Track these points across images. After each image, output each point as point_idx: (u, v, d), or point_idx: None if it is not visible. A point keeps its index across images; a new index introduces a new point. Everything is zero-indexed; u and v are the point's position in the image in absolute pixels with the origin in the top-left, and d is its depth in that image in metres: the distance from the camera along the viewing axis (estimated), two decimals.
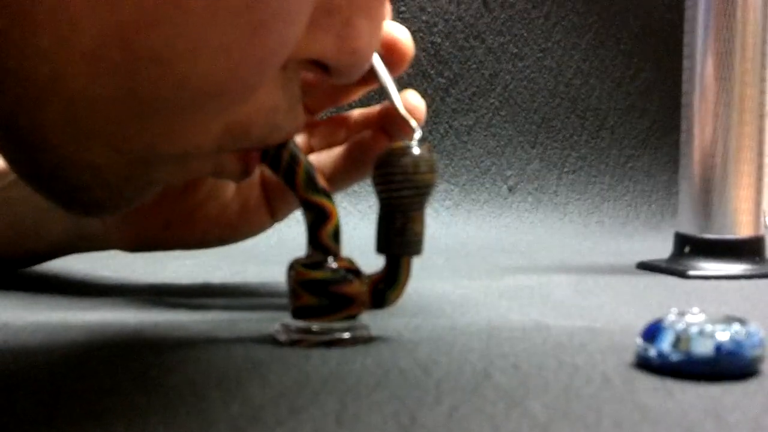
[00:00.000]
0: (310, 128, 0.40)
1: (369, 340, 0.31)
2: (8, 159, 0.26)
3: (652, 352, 0.26)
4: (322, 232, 0.31)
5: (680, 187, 0.62)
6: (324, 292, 0.30)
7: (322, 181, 0.32)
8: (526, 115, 1.08)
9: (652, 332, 0.27)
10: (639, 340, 0.27)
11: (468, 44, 1.05)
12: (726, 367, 0.26)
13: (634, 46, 1.17)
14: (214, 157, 0.29)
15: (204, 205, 0.39)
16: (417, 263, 0.32)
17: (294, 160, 0.31)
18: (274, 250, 0.69)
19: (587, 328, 0.35)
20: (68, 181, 0.26)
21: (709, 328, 0.26)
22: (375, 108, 0.38)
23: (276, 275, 0.52)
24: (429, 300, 0.43)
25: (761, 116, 0.59)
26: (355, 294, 0.31)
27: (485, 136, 1.05)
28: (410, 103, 0.35)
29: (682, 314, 0.27)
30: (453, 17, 1.04)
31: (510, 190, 1.05)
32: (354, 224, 0.89)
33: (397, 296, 0.31)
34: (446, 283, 0.51)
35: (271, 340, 0.31)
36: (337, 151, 0.39)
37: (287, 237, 0.75)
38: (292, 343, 0.30)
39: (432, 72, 1.02)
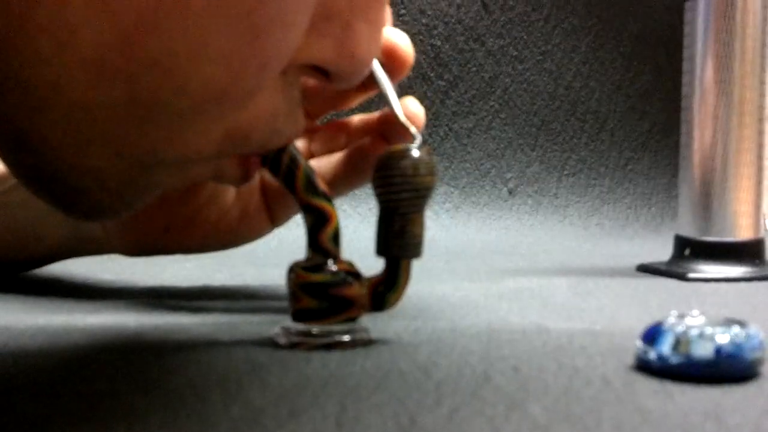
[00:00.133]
0: (310, 133, 0.40)
1: (369, 342, 0.31)
2: (8, 163, 0.26)
3: (652, 354, 0.26)
4: (322, 235, 0.31)
5: (680, 189, 0.62)
6: (324, 295, 0.30)
7: (321, 184, 0.32)
8: (526, 117, 1.09)
9: (652, 335, 0.27)
10: (639, 343, 0.27)
11: (468, 47, 1.05)
12: (726, 369, 0.26)
13: (634, 49, 1.18)
14: (215, 162, 0.29)
15: (204, 209, 0.39)
16: (417, 266, 0.32)
17: (294, 163, 0.31)
18: (274, 253, 0.69)
19: (587, 331, 0.35)
20: (68, 185, 0.26)
21: (709, 330, 0.26)
22: (375, 114, 0.38)
23: (276, 278, 0.52)
24: (429, 302, 0.43)
25: (761, 119, 0.59)
26: (355, 297, 0.31)
27: (485, 138, 1.05)
28: (410, 110, 0.35)
29: (682, 317, 0.27)
30: (453, 20, 1.04)
31: (510, 192, 1.05)
32: (354, 227, 0.89)
33: (397, 299, 0.31)
34: (446, 285, 0.51)
35: (271, 343, 0.31)
36: (337, 156, 0.39)
37: (287, 240, 0.75)
38: (292, 346, 0.30)
39: (432, 75, 1.02)
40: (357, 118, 0.39)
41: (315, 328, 0.30)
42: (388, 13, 0.30)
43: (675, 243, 0.62)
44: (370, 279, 0.31)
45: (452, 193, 1.01)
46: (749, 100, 0.59)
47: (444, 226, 0.97)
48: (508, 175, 1.06)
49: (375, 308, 0.31)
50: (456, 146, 1.03)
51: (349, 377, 0.26)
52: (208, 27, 0.22)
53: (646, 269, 0.62)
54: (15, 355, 0.29)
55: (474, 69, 1.05)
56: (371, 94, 0.37)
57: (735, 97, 0.59)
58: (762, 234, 0.60)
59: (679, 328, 0.26)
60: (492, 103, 1.06)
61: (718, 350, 0.25)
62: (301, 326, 0.31)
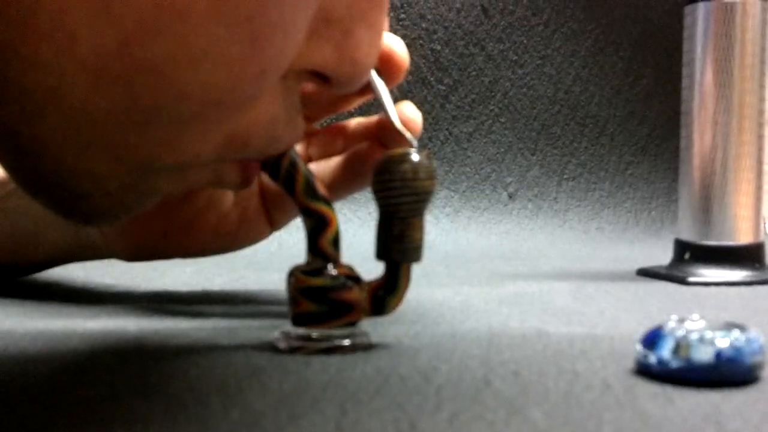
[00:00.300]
0: (308, 137, 0.40)
1: (369, 347, 0.31)
2: (8, 167, 0.26)
3: (652, 358, 0.26)
4: (322, 239, 0.31)
5: (680, 193, 0.62)
6: (324, 299, 0.30)
7: (321, 188, 0.32)
8: (525, 122, 1.09)
9: (652, 339, 0.27)
10: (639, 347, 0.27)
11: (468, 51, 1.05)
12: (726, 373, 0.26)
13: (634, 53, 1.18)
14: (214, 167, 0.29)
15: (203, 214, 0.39)
16: (417, 270, 0.32)
17: (293, 167, 0.31)
18: (273, 257, 0.69)
19: (587, 335, 0.35)
20: (68, 190, 0.26)
21: (709, 334, 0.26)
22: (372, 118, 0.38)
23: (276, 282, 0.52)
24: (429, 307, 0.43)
25: (760, 123, 0.59)
26: (355, 301, 0.31)
27: (485, 143, 1.05)
28: (406, 115, 0.35)
29: (682, 321, 0.27)
30: (453, 24, 1.04)
31: (510, 196, 1.05)
32: (354, 231, 0.89)
33: (397, 303, 0.31)
34: (446, 289, 0.51)
35: (271, 348, 0.31)
36: (335, 161, 0.39)
37: (287, 244, 0.75)
38: (292, 350, 0.30)
39: (432, 79, 1.02)
40: (355, 122, 0.39)
41: (315, 333, 0.30)
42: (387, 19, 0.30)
43: (675, 247, 0.62)
44: (370, 283, 0.31)
45: (452, 197, 1.01)
46: (749, 104, 0.59)
47: (444, 230, 0.97)
48: (508, 180, 1.06)
49: (375, 312, 0.31)
50: (456, 150, 1.03)
51: (349, 382, 0.26)
52: (208, 32, 0.22)
53: (646, 273, 0.62)
54: (15, 359, 0.29)
55: (474, 73, 1.05)
56: (369, 97, 0.37)
57: (735, 101, 0.59)
58: (762, 238, 0.60)
59: (679, 332, 0.26)
60: (492, 108, 1.06)
61: (719, 354, 0.25)
62: (301, 330, 0.31)
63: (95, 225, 0.38)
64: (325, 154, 0.39)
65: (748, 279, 0.57)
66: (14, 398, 0.24)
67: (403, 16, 1.01)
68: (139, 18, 0.21)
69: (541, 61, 1.11)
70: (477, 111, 1.05)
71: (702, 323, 0.27)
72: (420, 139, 0.34)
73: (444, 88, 1.03)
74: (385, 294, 0.31)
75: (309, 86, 0.36)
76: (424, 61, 1.01)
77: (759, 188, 0.60)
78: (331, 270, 0.31)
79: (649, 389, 0.25)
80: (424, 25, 1.02)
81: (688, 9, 0.61)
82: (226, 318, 0.38)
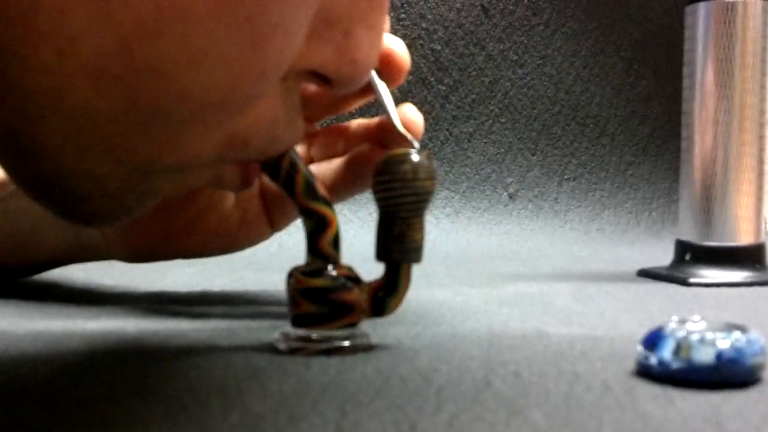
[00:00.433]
0: (309, 138, 0.40)
1: (369, 348, 0.31)
2: (8, 168, 0.26)
3: (653, 359, 0.26)
4: (322, 240, 0.31)
5: (681, 194, 0.62)
6: (324, 300, 0.30)
7: (321, 189, 0.32)
8: (526, 122, 1.09)
9: (653, 340, 0.27)
10: (640, 348, 0.27)
11: (468, 51, 1.05)
12: (727, 374, 0.25)
13: (635, 54, 1.18)
14: (214, 167, 0.29)
15: (203, 216, 0.39)
16: (417, 271, 0.32)
17: (293, 168, 0.31)
18: (273, 258, 0.69)
19: (588, 336, 0.35)
20: (68, 191, 0.26)
21: (709, 335, 0.26)
22: (374, 120, 0.38)
23: (275, 283, 0.52)
24: (429, 307, 0.43)
25: (761, 124, 0.59)
26: (355, 302, 0.30)
27: (485, 143, 1.05)
28: (408, 117, 0.35)
29: (682, 322, 0.27)
30: (453, 24, 1.04)
31: (510, 197, 1.05)
32: (354, 232, 0.89)
33: (397, 304, 0.31)
34: (446, 290, 0.51)
35: (271, 349, 0.31)
36: (336, 163, 0.39)
37: (287, 245, 0.75)
38: (292, 352, 0.30)
39: (432, 79, 1.02)
40: (356, 123, 0.39)
41: (315, 334, 0.30)
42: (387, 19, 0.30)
43: (676, 248, 0.62)
44: (370, 284, 0.31)
45: (452, 197, 1.01)
46: (750, 104, 0.59)
47: (444, 230, 0.97)
48: (509, 180, 1.06)
49: (375, 313, 0.31)
50: (456, 151, 1.03)
51: (349, 383, 0.26)
52: (208, 34, 0.22)
53: (646, 274, 0.62)
54: (14, 360, 0.29)
55: (474, 73, 1.05)
56: (370, 98, 0.37)
57: (735, 101, 0.59)
58: (763, 239, 0.60)
59: (680, 333, 0.26)
60: (492, 108, 1.06)
61: (719, 355, 0.25)
62: (300, 331, 0.31)
63: (95, 226, 0.38)
64: (327, 156, 0.39)
65: (749, 280, 0.57)
66: (14, 399, 0.24)
67: (403, 16, 1.01)
68: (139, 19, 0.21)
69: (542, 61, 1.10)
70: (477, 111, 1.05)
71: (703, 324, 0.27)
72: (420, 140, 0.34)
73: (444, 88, 1.03)
74: (385, 295, 0.31)
75: (310, 88, 0.36)
76: (424, 61, 1.01)
77: (760, 189, 0.60)
78: (331, 271, 0.31)
79: (650, 390, 0.25)
80: (424, 25, 1.02)
81: (688, 9, 0.61)
82: (225, 319, 0.38)
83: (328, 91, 0.30)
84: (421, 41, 1.02)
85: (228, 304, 0.44)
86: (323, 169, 0.38)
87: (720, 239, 0.59)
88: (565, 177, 1.10)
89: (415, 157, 0.30)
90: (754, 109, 0.59)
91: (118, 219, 0.29)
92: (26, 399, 0.24)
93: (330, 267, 0.31)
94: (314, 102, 0.37)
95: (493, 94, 1.06)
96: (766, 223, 0.63)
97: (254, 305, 0.44)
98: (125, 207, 0.28)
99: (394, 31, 0.98)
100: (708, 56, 0.59)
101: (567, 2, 1.12)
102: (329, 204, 0.32)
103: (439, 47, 1.03)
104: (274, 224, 0.40)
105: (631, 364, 0.29)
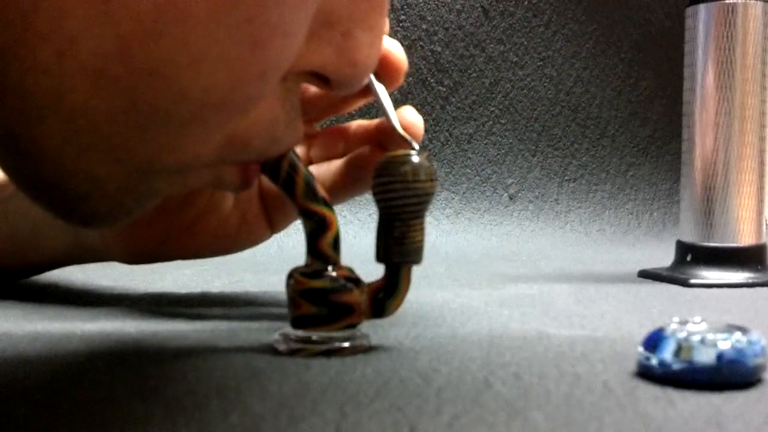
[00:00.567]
0: (308, 139, 0.40)
1: (369, 349, 0.31)
2: (7, 170, 0.26)
3: (654, 360, 0.26)
4: (322, 241, 0.31)
5: (682, 195, 0.62)
6: (324, 301, 0.30)
7: (321, 190, 0.32)
8: (526, 123, 1.09)
9: (654, 341, 0.27)
10: (640, 349, 0.27)
11: (468, 53, 1.05)
12: (728, 375, 0.25)
13: (635, 55, 1.18)
14: (214, 169, 0.29)
15: (203, 217, 0.39)
16: (417, 272, 0.32)
17: (293, 169, 0.31)
18: (273, 259, 0.69)
19: (588, 337, 0.35)
20: (68, 192, 0.26)
21: (710, 336, 0.26)
22: (373, 122, 0.38)
23: (275, 284, 0.52)
24: (429, 309, 0.43)
25: (762, 125, 0.59)
26: (355, 303, 0.30)
27: (486, 144, 1.05)
28: (407, 119, 0.35)
29: (683, 323, 0.27)
30: (453, 26, 1.04)
31: (511, 198, 1.05)
32: (354, 233, 0.89)
33: (398, 305, 0.31)
34: (447, 291, 0.51)
35: (271, 350, 0.31)
36: (336, 164, 0.39)
37: (287, 246, 0.75)
38: (292, 353, 0.30)
39: (432, 80, 1.02)
40: (355, 125, 0.39)
41: (315, 335, 0.30)
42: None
43: (677, 249, 0.62)
44: (370, 285, 0.31)
45: (453, 198, 1.01)
46: (750, 105, 0.59)
47: (444, 231, 0.97)
48: (509, 181, 1.06)
49: (375, 315, 0.31)
50: (456, 152, 1.03)
51: (349, 384, 0.26)
52: (208, 35, 0.22)
53: (647, 275, 0.62)
54: (13, 361, 0.29)
55: (474, 75, 1.05)
56: (370, 98, 0.37)
57: (736, 102, 0.59)
58: (764, 239, 0.60)
59: (681, 335, 0.26)
60: (492, 109, 1.06)
61: (720, 356, 0.25)
62: (300, 333, 0.30)
63: (95, 227, 0.38)
64: (327, 157, 0.39)
65: (750, 281, 0.57)
66: (13, 400, 0.24)
67: (403, 17, 1.01)
68: (139, 20, 0.21)
69: (542, 62, 1.10)
70: (477, 112, 1.05)
71: (704, 325, 0.27)
72: (420, 141, 0.34)
73: (444, 89, 1.03)
74: (386, 296, 0.31)
75: (309, 90, 0.36)
76: (424, 62, 1.01)
77: (761, 189, 0.60)
78: (331, 272, 0.31)
79: (651, 392, 0.25)
80: (424, 27, 1.02)
81: (689, 10, 0.61)
82: (225, 320, 0.38)
83: (328, 92, 0.30)
84: (421, 43, 1.02)
85: (227, 306, 0.44)
86: (323, 171, 0.38)
87: (721, 240, 0.59)
88: (566, 178, 1.10)
89: (415, 159, 0.30)
90: (754, 110, 0.59)
91: (117, 220, 0.29)
92: (25, 400, 0.24)
93: (330, 268, 0.31)
94: (313, 104, 0.37)
95: (494, 95, 1.06)
96: (766, 224, 0.63)
97: (254, 306, 0.44)
98: (125, 208, 0.28)
99: (393, 33, 0.99)
100: (708, 58, 0.59)
101: (567, 4, 1.12)
102: (329, 205, 0.31)
103: (439, 49, 1.03)
104: (274, 225, 0.40)
105: (631, 365, 0.29)
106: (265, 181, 0.37)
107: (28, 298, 0.44)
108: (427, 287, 0.53)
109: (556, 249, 0.94)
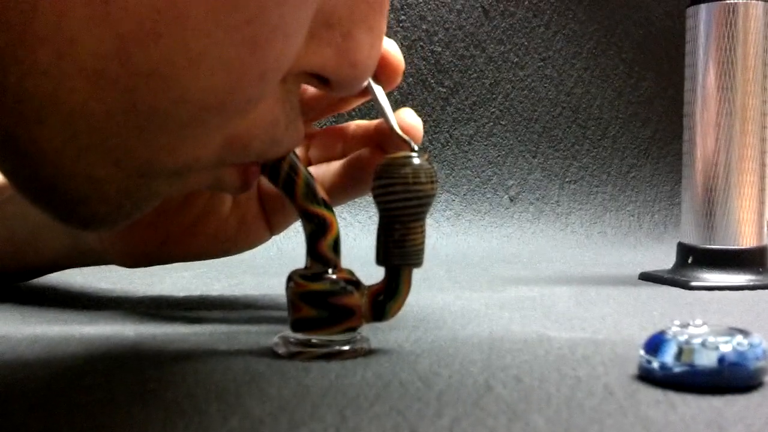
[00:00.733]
0: (308, 139, 0.40)
1: (369, 352, 0.31)
2: (6, 172, 0.26)
3: (655, 363, 0.26)
4: (322, 243, 0.31)
5: (683, 197, 0.62)
6: (323, 304, 0.30)
7: (321, 192, 0.31)
8: (527, 124, 1.09)
9: (655, 344, 0.27)
10: (641, 352, 0.27)
11: (468, 53, 1.05)
12: (729, 378, 0.25)
13: (636, 55, 1.18)
14: (214, 170, 0.29)
15: (201, 219, 0.39)
16: (417, 274, 0.31)
17: (293, 170, 0.31)
18: (272, 262, 0.69)
19: (589, 340, 0.35)
20: (66, 194, 0.26)
21: (711, 339, 0.26)
22: (372, 123, 0.38)
23: (275, 287, 0.52)
24: (430, 312, 0.43)
25: (763, 126, 0.59)
26: (355, 306, 0.30)
27: (486, 145, 1.05)
28: (407, 122, 0.35)
29: (684, 326, 0.27)
30: (453, 26, 1.04)
31: (511, 200, 1.05)
32: (354, 235, 0.89)
33: (398, 308, 0.31)
34: (447, 294, 0.51)
35: (270, 353, 0.31)
36: (335, 166, 0.38)
37: (286, 248, 0.75)
38: (292, 356, 0.30)
39: (432, 81, 1.02)
40: (354, 125, 0.39)
41: (314, 338, 0.30)
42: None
43: (678, 251, 0.62)
44: (370, 288, 0.31)
45: (453, 200, 1.01)
46: (751, 106, 0.59)
47: (445, 233, 0.97)
48: (510, 183, 1.06)
49: (375, 318, 0.31)
50: (457, 153, 1.03)
51: (349, 388, 0.26)
52: (207, 36, 0.22)
53: (648, 277, 0.62)
54: (12, 364, 0.29)
55: (475, 75, 1.05)
56: (368, 98, 0.37)
57: (737, 103, 0.59)
58: (765, 242, 0.60)
59: (682, 338, 0.26)
60: (493, 110, 1.06)
61: (721, 359, 0.25)
62: (300, 336, 0.30)
63: (94, 230, 0.38)
64: (325, 157, 0.39)
65: (751, 283, 0.57)
66: (12, 403, 0.24)
67: (403, 17, 1.01)
68: (138, 22, 0.21)
69: (543, 63, 1.10)
70: (478, 113, 1.05)
71: (705, 328, 0.27)
72: (420, 143, 0.34)
73: (444, 90, 1.03)
74: (386, 299, 0.31)
75: (308, 91, 0.36)
76: (424, 63, 1.01)
77: (762, 191, 0.60)
78: (331, 275, 0.30)
79: (652, 395, 0.25)
80: (424, 27, 1.02)
81: (690, 11, 0.61)
82: (224, 323, 0.38)
83: (328, 93, 0.30)
84: (421, 43, 1.01)
85: (227, 308, 0.44)
86: (322, 172, 0.38)
87: (722, 242, 0.59)
88: (567, 180, 1.10)
89: (415, 161, 0.30)
90: (755, 111, 0.59)
91: (116, 222, 0.29)
92: (24, 404, 0.24)
93: (330, 271, 0.31)
94: (313, 105, 0.37)
95: (494, 96, 1.06)
96: None
97: (253, 309, 0.44)
98: (124, 210, 0.28)
99: (394, 33, 0.98)
100: (709, 58, 0.59)
101: (568, 4, 1.12)
102: (329, 207, 0.31)
103: (439, 49, 1.03)
104: (273, 227, 0.40)
105: (632, 369, 0.29)
106: (265, 182, 0.37)
107: (27, 301, 0.44)
108: (427, 290, 0.53)
109: (556, 251, 0.94)
